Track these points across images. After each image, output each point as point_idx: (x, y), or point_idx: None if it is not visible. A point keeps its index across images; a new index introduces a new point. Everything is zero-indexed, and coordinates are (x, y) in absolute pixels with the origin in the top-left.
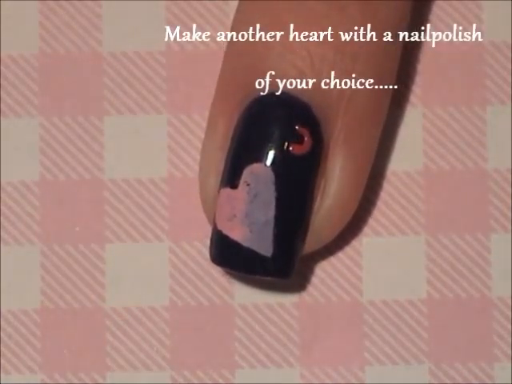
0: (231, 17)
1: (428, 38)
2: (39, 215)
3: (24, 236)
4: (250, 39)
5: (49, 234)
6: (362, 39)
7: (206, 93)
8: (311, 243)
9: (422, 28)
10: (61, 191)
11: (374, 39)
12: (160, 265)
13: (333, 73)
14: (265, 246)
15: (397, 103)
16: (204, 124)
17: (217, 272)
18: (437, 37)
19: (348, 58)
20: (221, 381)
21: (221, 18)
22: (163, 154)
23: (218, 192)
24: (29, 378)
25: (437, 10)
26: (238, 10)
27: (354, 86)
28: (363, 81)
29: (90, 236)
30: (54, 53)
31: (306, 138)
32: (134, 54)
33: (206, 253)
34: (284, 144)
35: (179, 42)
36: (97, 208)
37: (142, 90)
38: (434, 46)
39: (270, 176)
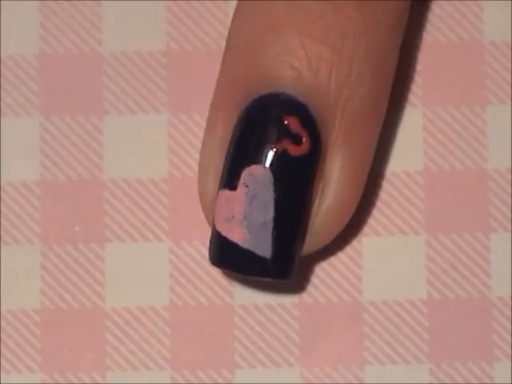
0: (231, 17)
1: (428, 38)
2: (39, 215)
3: (24, 236)
4: (247, 40)
5: (49, 234)
6: (359, 39)
7: (205, 93)
8: (310, 244)
9: (422, 28)
10: (61, 191)
11: (372, 39)
12: (160, 265)
13: (330, 73)
14: (263, 248)
15: (397, 103)
16: (204, 124)
17: (217, 272)
18: (437, 37)
19: (345, 58)
20: (220, 380)
21: (221, 17)
22: (163, 154)
23: (217, 193)
24: (29, 378)
25: (437, 10)
26: (236, 10)
27: (351, 87)
28: (361, 81)
29: (90, 236)
30: (53, 53)
31: (304, 139)
32: (134, 53)
33: (206, 253)
34: (282, 145)
35: (179, 41)
36: (97, 208)
37: (142, 89)
38: (434, 46)
39: (269, 177)
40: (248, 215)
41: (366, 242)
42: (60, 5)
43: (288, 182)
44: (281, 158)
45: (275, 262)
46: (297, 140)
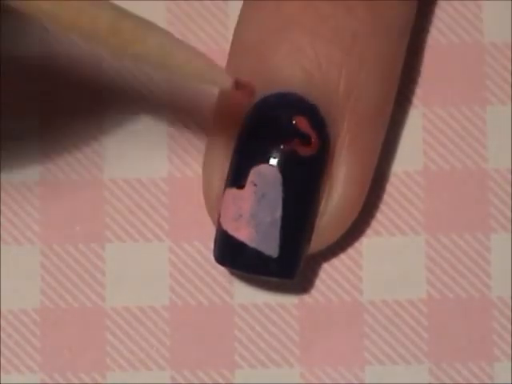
0: (231, 17)
1: (428, 39)
2: (39, 215)
3: (24, 236)
4: (257, 39)
5: (49, 234)
6: (368, 40)
7: (206, 93)
8: (315, 244)
9: (423, 28)
10: (61, 191)
11: (381, 40)
12: (160, 265)
13: (340, 73)
14: (270, 247)
15: (397, 103)
16: (204, 124)
17: (217, 272)
18: (437, 37)
19: (355, 59)
20: (220, 380)
21: (221, 17)
22: (163, 153)
23: (223, 192)
24: (29, 378)
25: (437, 10)
26: (243, 10)
27: (360, 87)
28: (370, 82)
29: (90, 236)
30: (54, 54)
31: (313, 139)
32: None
33: (206, 253)
34: (291, 145)
35: None
36: (97, 208)
37: (142, 89)
38: (433, 46)
39: (278, 177)
40: (256, 214)
41: (366, 242)
42: None
43: (296, 181)
44: (289, 157)
45: (282, 261)
46: (306, 140)
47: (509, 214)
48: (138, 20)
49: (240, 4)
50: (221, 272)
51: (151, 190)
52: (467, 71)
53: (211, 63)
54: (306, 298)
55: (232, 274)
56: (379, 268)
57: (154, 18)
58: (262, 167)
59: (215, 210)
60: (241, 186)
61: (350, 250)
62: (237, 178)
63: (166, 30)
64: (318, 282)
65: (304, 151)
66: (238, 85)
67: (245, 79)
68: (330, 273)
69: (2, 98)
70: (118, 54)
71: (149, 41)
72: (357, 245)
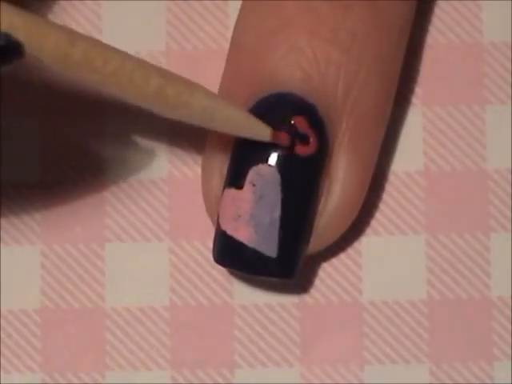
0: (231, 17)
1: (428, 38)
2: (39, 215)
3: (24, 236)
4: (255, 39)
5: (49, 234)
6: (367, 40)
7: None
8: (315, 244)
9: (422, 28)
10: (61, 191)
11: (380, 40)
12: (160, 265)
13: (338, 74)
14: (270, 247)
15: (397, 103)
16: None
17: (217, 272)
18: (437, 37)
19: (354, 59)
20: (220, 380)
21: (221, 17)
22: (163, 154)
23: (222, 192)
24: (29, 378)
25: (437, 10)
26: (242, 9)
27: (359, 87)
28: (369, 81)
29: (90, 236)
30: None
31: (311, 140)
32: (134, 53)
33: (206, 253)
34: (290, 145)
35: (179, 41)
36: (97, 208)
37: None
38: (433, 46)
39: (276, 177)
40: (255, 214)
41: (365, 242)
42: (60, 5)
43: (295, 181)
44: (288, 157)
45: (281, 261)
46: (304, 140)
47: (509, 213)
48: (182, 84)
49: (240, 4)
50: (221, 272)
51: (151, 190)
52: (467, 71)
53: (251, 118)
54: (306, 298)
55: (232, 274)
56: (379, 268)
57: (154, 18)
58: (261, 167)
59: (214, 211)
60: (240, 187)
61: (350, 251)
62: (236, 178)
63: (209, 91)
64: (317, 282)
65: (302, 151)
66: (275, 137)
67: (281, 133)
68: (329, 273)
69: (2, 98)
70: (162, 115)
71: (193, 105)
72: (356, 244)
